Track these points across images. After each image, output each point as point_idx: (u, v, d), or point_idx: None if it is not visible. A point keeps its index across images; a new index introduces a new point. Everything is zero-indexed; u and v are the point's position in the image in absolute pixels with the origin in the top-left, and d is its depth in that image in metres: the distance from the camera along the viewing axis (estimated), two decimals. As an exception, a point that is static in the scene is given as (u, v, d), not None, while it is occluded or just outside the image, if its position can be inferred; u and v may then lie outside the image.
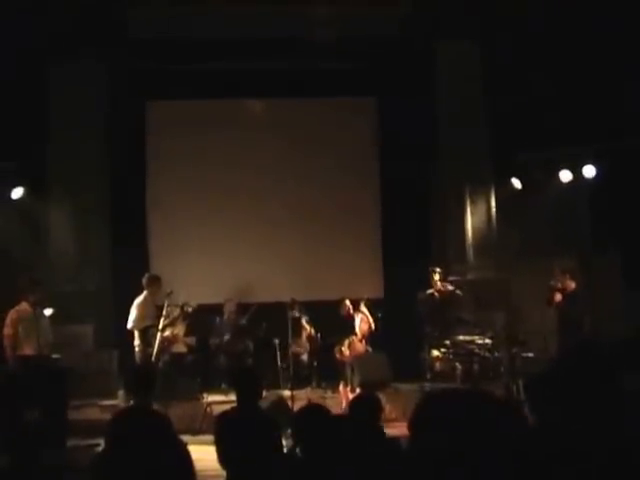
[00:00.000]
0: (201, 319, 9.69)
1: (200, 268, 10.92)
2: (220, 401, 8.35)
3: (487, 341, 9.18)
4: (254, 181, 11.29)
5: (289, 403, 7.58)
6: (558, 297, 9.07)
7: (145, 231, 11.27)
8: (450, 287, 9.56)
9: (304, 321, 10.29)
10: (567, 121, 9.72)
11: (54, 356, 7.96)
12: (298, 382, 9.27)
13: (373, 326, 9.42)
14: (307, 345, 10.29)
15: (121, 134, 10.67)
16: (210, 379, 9.87)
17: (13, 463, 5.74)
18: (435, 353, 9.34)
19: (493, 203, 10.79)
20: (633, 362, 2.96)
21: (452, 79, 10.81)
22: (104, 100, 10.59)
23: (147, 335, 8.50)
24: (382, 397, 5.94)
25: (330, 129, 11.50)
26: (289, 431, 4.58)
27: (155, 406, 5.74)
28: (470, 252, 10.77)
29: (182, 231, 11.11)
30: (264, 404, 5.80)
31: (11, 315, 7.72)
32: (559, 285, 9.14)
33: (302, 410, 3.97)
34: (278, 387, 9.33)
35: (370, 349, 9.54)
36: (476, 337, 9.25)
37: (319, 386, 9.97)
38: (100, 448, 2.18)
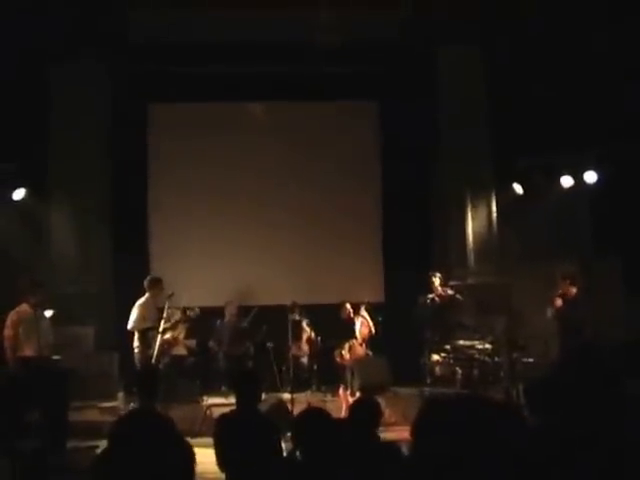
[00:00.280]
0: (202, 322, 9.69)
1: (201, 271, 10.92)
2: (220, 404, 8.33)
3: (487, 346, 9.16)
4: (255, 184, 11.31)
5: (289, 406, 7.58)
6: (559, 302, 9.07)
7: (146, 233, 11.28)
8: (450, 292, 9.56)
9: (304, 324, 10.30)
10: (568, 126, 9.73)
11: (54, 358, 7.93)
12: (298, 385, 9.27)
13: (373, 330, 9.41)
14: (307, 348, 10.30)
15: (122, 136, 10.69)
16: (210, 382, 9.87)
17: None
18: (435, 357, 9.32)
19: (494, 208, 10.80)
20: (633, 367, 2.96)
21: (453, 83, 10.82)
22: (106, 102, 10.62)
23: (147, 337, 8.50)
24: (382, 401, 5.95)
25: (331, 133, 11.51)
26: (289, 434, 4.58)
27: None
28: (471, 257, 10.77)
29: (183, 233, 11.13)
30: (264, 407, 5.80)
31: (12, 316, 7.71)
32: (560, 291, 9.14)
33: (302, 413, 3.97)
34: (278, 390, 9.33)
35: (370, 353, 9.53)
36: (476, 342, 9.24)
37: (319, 389, 9.98)
38: (100, 449, 2.18)
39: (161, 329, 8.46)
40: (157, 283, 8.82)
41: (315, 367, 10.18)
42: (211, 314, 10.20)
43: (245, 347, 10.14)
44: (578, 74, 9.89)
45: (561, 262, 9.88)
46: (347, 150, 11.50)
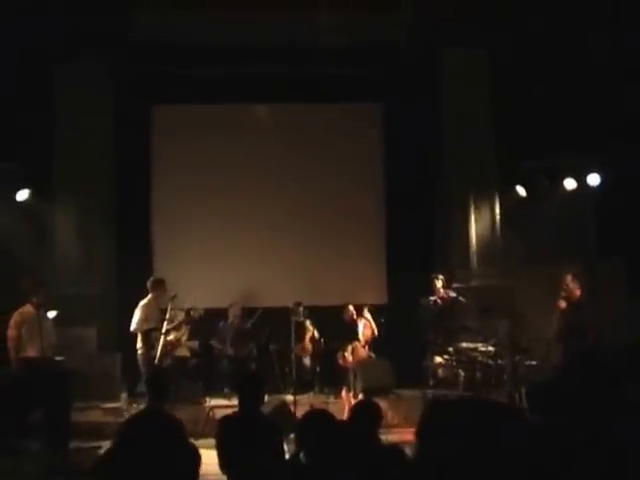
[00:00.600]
0: (204, 323, 9.70)
1: (204, 272, 10.92)
2: (223, 405, 8.35)
3: (490, 348, 9.14)
4: (259, 186, 11.31)
5: (292, 408, 7.57)
6: (562, 304, 9.04)
7: (149, 234, 11.29)
8: (453, 294, 9.54)
9: (308, 323, 10.30)
10: (572, 129, 9.72)
11: (57, 358, 7.95)
12: (301, 387, 9.27)
13: (376, 332, 9.42)
14: (310, 348, 10.29)
15: (126, 138, 10.71)
16: (213, 383, 9.88)
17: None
18: (438, 360, 9.31)
19: (497, 210, 10.79)
20: (636, 370, 2.96)
21: (457, 86, 10.82)
22: (108, 103, 10.63)
23: (150, 338, 8.51)
24: (384, 403, 5.95)
25: (334, 135, 11.51)
26: (291, 436, 4.58)
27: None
28: (474, 259, 10.76)
29: (186, 234, 11.13)
30: (266, 409, 5.80)
31: (15, 317, 7.73)
32: (563, 293, 9.11)
33: (306, 415, 3.97)
34: (280, 392, 9.33)
35: (373, 355, 9.54)
36: (479, 344, 9.21)
37: (322, 391, 9.97)
38: (103, 450, 2.18)
39: (164, 330, 8.46)
40: (160, 284, 8.83)
41: (318, 369, 10.18)
42: (214, 315, 10.21)
43: (248, 349, 10.15)
44: (582, 76, 9.88)
45: (564, 265, 9.86)
46: (350, 152, 11.51)
